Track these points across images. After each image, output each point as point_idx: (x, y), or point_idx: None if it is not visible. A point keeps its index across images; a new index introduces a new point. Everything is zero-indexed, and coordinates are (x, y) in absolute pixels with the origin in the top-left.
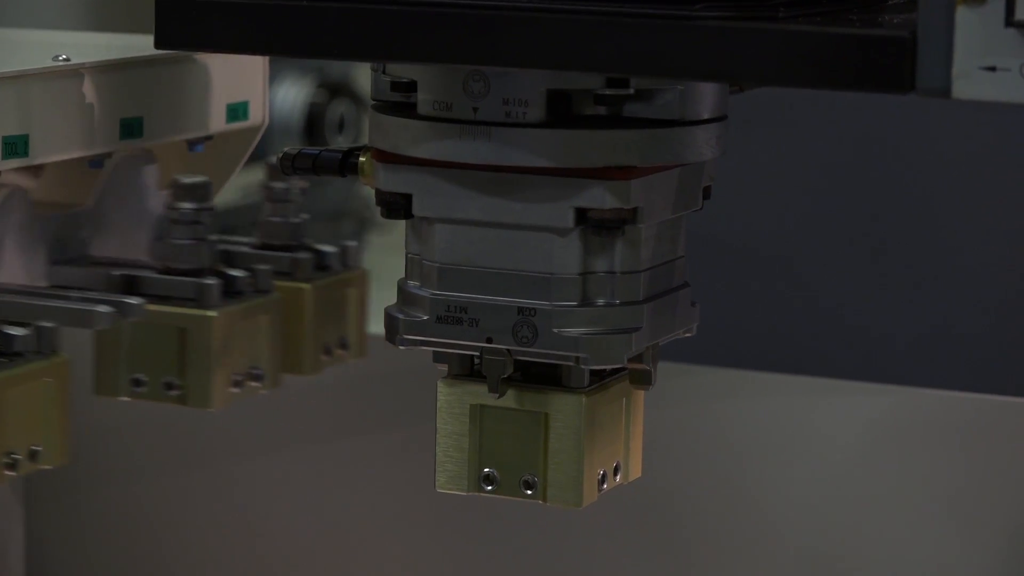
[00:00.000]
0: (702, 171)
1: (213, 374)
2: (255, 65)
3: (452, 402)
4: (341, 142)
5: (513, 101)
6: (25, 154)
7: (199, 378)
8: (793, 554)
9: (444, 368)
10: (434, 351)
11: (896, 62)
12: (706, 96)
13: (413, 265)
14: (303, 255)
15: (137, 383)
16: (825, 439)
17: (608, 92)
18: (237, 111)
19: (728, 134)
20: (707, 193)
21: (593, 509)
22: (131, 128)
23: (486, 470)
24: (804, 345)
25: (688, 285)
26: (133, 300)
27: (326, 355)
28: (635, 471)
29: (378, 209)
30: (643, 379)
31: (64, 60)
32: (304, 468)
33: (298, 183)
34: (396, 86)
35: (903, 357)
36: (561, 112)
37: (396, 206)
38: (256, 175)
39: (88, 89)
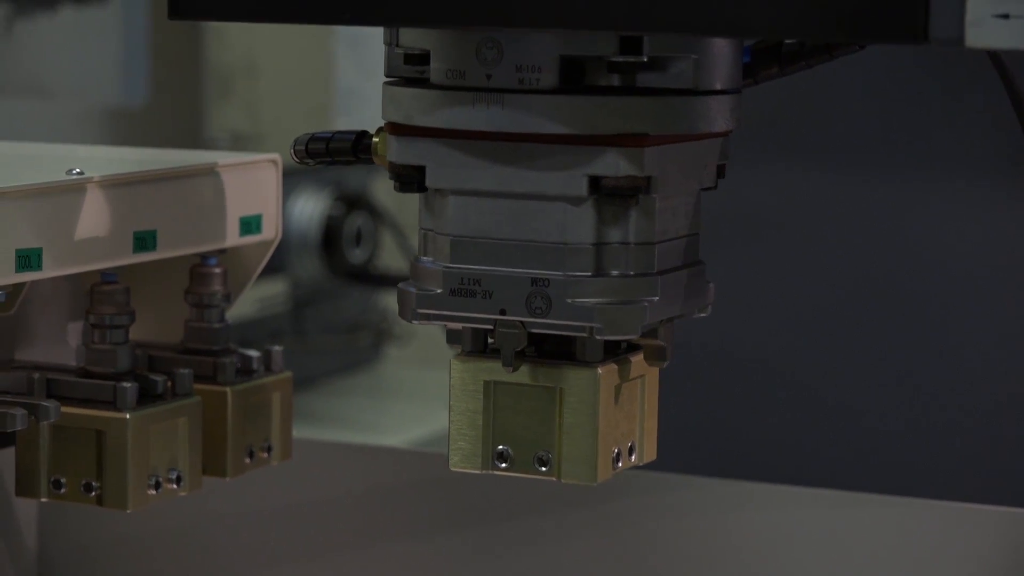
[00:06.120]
0: (716, 148)
1: (129, 476)
2: (268, 178)
3: (465, 379)
4: (359, 255)
5: (526, 68)
6: (38, 267)
7: (116, 479)
8: None
9: (458, 348)
10: (448, 330)
11: (909, 11)
12: (720, 67)
13: (426, 240)
14: (225, 359)
15: (57, 484)
16: (839, 552)
17: (621, 59)
18: (251, 224)
19: (741, 107)
20: (721, 172)
21: None
22: (144, 241)
23: (500, 447)
24: (816, 456)
25: (703, 263)
26: (48, 403)
27: (249, 459)
28: (650, 453)
29: (398, 322)
30: (659, 355)
31: (78, 174)
32: None
33: (221, 289)
34: (409, 58)
35: (916, 468)
36: (575, 81)
37: (409, 179)
38: (273, 287)
39: (101, 203)
